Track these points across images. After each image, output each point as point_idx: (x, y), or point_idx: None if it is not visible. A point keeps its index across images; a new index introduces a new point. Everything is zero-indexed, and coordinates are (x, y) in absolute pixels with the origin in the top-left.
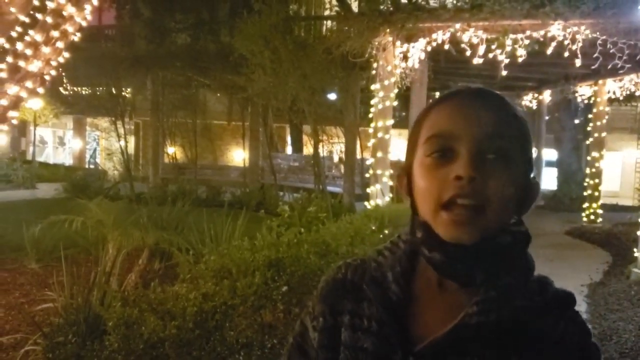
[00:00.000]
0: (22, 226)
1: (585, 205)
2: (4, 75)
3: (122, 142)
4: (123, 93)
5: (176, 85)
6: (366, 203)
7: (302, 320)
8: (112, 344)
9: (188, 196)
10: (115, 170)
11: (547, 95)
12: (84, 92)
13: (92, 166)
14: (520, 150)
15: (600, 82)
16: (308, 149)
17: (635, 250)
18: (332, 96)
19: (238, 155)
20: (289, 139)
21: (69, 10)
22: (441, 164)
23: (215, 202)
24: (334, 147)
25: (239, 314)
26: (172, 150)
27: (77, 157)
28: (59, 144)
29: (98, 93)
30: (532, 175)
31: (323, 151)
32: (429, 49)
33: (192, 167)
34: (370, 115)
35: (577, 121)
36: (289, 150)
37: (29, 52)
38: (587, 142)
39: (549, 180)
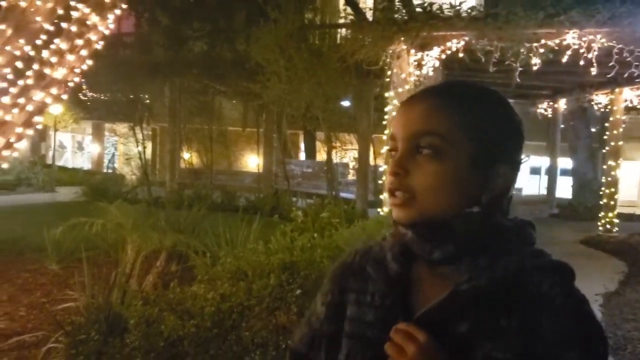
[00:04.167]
0: (43, 228)
1: (601, 214)
2: (30, 82)
3: (140, 148)
4: (141, 99)
5: (193, 92)
6: (379, 209)
7: (316, 298)
8: (133, 342)
9: (204, 201)
10: (133, 175)
11: (562, 104)
12: (103, 98)
13: (110, 170)
14: (463, 144)
15: (617, 90)
16: (321, 156)
17: None
18: (346, 103)
19: (252, 161)
20: (302, 145)
21: (93, 19)
22: (391, 161)
23: (230, 206)
24: (347, 154)
25: (254, 315)
26: (188, 156)
27: (95, 161)
28: (77, 148)
29: (117, 99)
30: (497, 164)
31: (336, 158)
32: (443, 57)
33: (208, 173)
34: (384, 122)
35: (593, 129)
36: (302, 156)
37: (54, 59)
38: (603, 151)
39: (564, 188)
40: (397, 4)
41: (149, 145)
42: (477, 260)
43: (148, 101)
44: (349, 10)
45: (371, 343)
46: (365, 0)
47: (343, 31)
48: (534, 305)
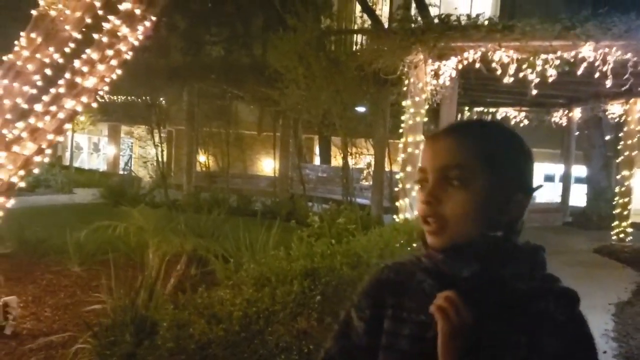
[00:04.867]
0: (65, 230)
1: (615, 223)
2: (62, 90)
3: (157, 150)
4: (159, 102)
5: (210, 96)
6: (395, 216)
7: (348, 311)
8: (164, 343)
9: (221, 204)
10: (150, 177)
11: (577, 113)
12: (120, 101)
13: (126, 172)
14: (484, 175)
15: (632, 101)
16: (337, 161)
17: None
18: (361, 108)
19: (267, 165)
20: (317, 149)
21: (123, 31)
22: (422, 190)
23: (247, 210)
24: (362, 159)
25: (278, 320)
26: (204, 159)
27: (111, 163)
28: (93, 150)
29: (134, 102)
30: (514, 191)
31: (351, 163)
32: (460, 67)
33: (224, 176)
34: (400, 131)
35: (607, 137)
36: (316, 161)
37: (85, 69)
38: (618, 160)
39: (578, 196)
40: (413, 12)
41: (165, 148)
42: (494, 278)
43: (164, 103)
44: (365, 17)
45: (407, 355)
46: (382, 8)
47: (359, 38)
48: (541, 324)
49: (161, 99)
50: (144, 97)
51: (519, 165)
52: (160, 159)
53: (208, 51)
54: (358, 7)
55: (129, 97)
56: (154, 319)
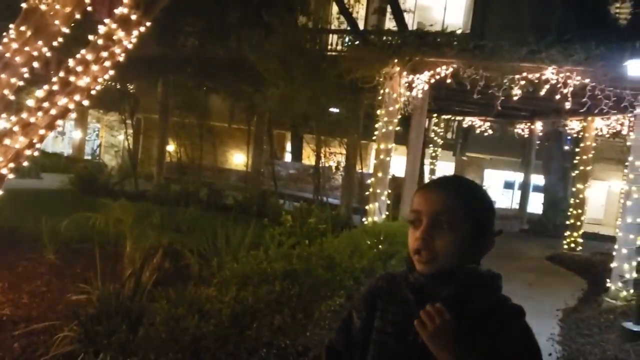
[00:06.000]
0: (37, 217)
1: (567, 233)
2: (56, 88)
3: (127, 139)
4: (132, 91)
5: (184, 88)
6: (364, 219)
7: (349, 310)
8: (159, 335)
9: (192, 198)
10: (118, 165)
11: (539, 125)
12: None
13: (96, 159)
14: (466, 221)
15: (589, 119)
16: (308, 158)
17: (608, 280)
18: (336, 109)
19: (238, 159)
20: (288, 145)
21: (119, 34)
22: (415, 228)
23: (218, 205)
24: (333, 158)
25: (261, 317)
26: (172, 149)
27: (76, 147)
28: (58, 133)
29: (105, 88)
30: (485, 235)
31: (323, 162)
32: (432, 80)
33: (194, 168)
34: (374, 138)
35: (566, 148)
36: (287, 157)
37: (79, 68)
38: (574, 174)
39: (535, 204)
40: (388, 17)
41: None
42: (464, 298)
43: (136, 92)
44: (342, 19)
45: (390, 348)
46: (358, 11)
47: (335, 38)
48: (497, 333)
49: (131, 86)
50: (115, 85)
51: (490, 215)
52: (131, 149)
53: (183, 42)
54: (335, 9)
55: (100, 84)
56: (140, 310)
